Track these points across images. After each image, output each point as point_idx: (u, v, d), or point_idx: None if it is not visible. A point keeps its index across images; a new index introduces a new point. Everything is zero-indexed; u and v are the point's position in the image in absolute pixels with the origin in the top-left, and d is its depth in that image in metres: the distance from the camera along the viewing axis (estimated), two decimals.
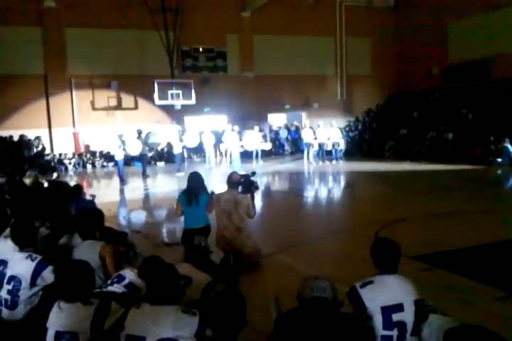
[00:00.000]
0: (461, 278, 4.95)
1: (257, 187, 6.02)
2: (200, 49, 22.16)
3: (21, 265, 3.60)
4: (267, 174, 15.69)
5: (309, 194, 12.45)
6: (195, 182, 5.89)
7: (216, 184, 11.51)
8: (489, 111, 18.35)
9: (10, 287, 3.56)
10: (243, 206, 5.53)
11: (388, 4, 24.78)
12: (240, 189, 5.83)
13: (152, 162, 20.06)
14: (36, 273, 3.57)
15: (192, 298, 2.97)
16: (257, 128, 19.40)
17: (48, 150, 19.23)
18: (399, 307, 2.88)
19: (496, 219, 7.68)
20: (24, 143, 17.19)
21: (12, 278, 3.58)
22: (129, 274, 3.33)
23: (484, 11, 19.87)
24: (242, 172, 6.46)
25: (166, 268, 2.81)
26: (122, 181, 14.35)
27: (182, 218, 5.99)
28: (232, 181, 5.73)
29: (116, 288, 3.22)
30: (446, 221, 7.80)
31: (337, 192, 12.91)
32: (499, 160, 15.19)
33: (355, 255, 5.68)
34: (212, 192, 5.91)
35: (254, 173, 6.19)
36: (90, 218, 4.13)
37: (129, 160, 17.59)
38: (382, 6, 24.83)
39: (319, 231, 7.61)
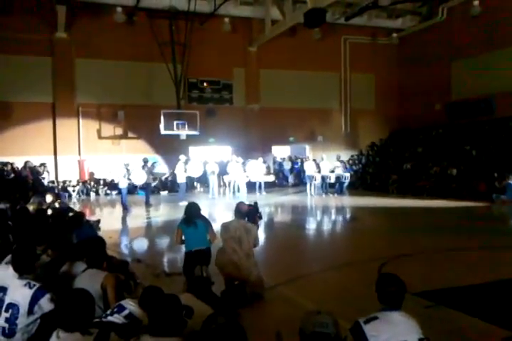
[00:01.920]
0: (465, 316, 4.84)
1: (260, 217, 6.08)
2: (205, 83, 22.51)
3: (19, 292, 3.55)
4: (269, 205, 15.63)
5: (311, 226, 12.37)
6: (192, 210, 5.99)
7: (219, 214, 11.47)
8: (493, 148, 18.44)
9: (8, 315, 3.51)
10: (252, 234, 5.58)
11: (392, 42, 25.33)
12: (245, 219, 5.86)
13: (155, 191, 20.06)
14: (33, 301, 3.52)
15: (192, 329, 2.92)
16: (261, 159, 19.50)
17: (52, 177, 19.28)
18: None
19: (500, 257, 7.59)
20: (29, 169, 17.24)
21: (10, 305, 3.53)
22: (130, 305, 3.29)
23: (488, 50, 20.26)
24: (246, 203, 6.50)
25: (169, 298, 2.78)
26: (126, 209, 14.35)
27: (183, 246, 5.98)
28: (240, 211, 5.80)
29: (116, 318, 3.18)
30: (448, 257, 7.70)
31: (339, 226, 12.82)
32: (503, 196, 15.13)
33: (357, 290, 5.61)
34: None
35: (256, 203, 6.22)
36: (98, 246, 4.12)
37: (132, 189, 17.62)
38: (387, 43, 25.41)
39: (321, 264, 7.53)
